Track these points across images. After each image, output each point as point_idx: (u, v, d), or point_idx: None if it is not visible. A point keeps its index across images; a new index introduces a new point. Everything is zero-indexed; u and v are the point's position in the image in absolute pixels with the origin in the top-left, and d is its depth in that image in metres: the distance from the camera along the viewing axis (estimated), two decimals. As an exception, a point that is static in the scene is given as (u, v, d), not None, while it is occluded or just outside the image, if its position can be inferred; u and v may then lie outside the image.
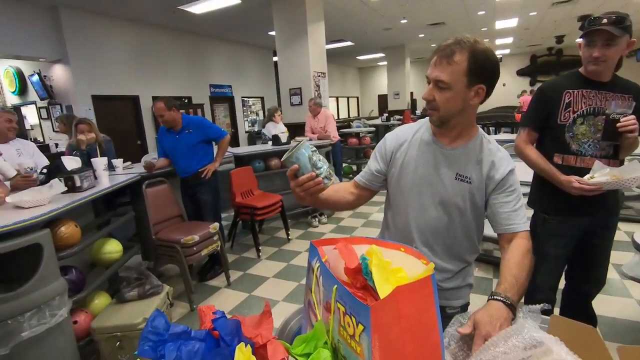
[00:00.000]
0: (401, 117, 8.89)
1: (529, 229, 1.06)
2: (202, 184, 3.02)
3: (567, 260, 1.68)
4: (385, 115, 8.41)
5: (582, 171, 1.49)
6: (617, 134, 1.40)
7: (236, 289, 2.90)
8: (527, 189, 1.77)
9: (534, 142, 1.65)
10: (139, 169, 3.14)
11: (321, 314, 0.78)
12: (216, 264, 3.09)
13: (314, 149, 0.93)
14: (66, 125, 3.51)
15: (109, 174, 2.59)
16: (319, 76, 6.27)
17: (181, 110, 2.98)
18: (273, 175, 4.33)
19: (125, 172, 2.95)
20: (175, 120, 2.90)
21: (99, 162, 2.44)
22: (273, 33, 8.24)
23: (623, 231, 3.48)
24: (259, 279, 3.04)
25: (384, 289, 0.77)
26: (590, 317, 1.78)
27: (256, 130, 10.45)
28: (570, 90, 1.53)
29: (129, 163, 3.25)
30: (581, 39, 1.48)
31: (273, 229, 4.32)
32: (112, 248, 2.41)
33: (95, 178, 2.41)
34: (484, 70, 0.99)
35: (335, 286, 0.70)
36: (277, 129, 4.71)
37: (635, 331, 2.09)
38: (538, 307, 0.79)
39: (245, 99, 10.13)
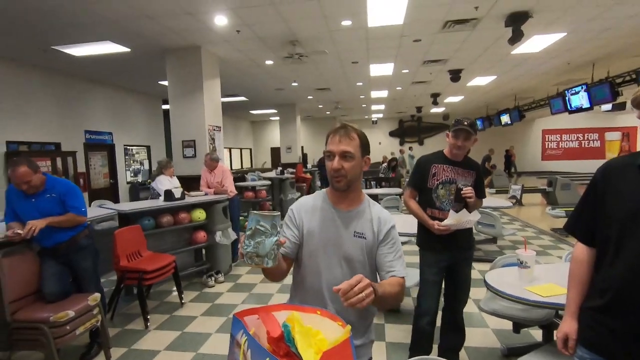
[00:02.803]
0: (294, 170, 9.35)
1: (404, 275, 1.31)
2: (80, 249, 2.59)
3: (441, 285, 2.26)
4: (280, 168, 8.73)
5: (443, 220, 2.11)
6: (462, 198, 2.07)
7: (119, 370, 2.51)
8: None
9: (415, 197, 2.28)
10: (-11, 232, 2.58)
11: (252, 389, 0.80)
12: (95, 342, 2.63)
13: (265, 229, 1.01)
14: None
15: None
16: (214, 130, 6.27)
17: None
18: (164, 234, 4.02)
19: (-30, 238, 2.39)
20: (41, 181, 2.45)
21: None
22: (163, 82, 8.04)
23: (477, 270, 4.24)
24: (147, 354, 2.68)
25: (307, 354, 0.85)
26: (460, 328, 2.34)
27: (140, 180, 9.59)
28: (436, 165, 2.18)
29: (-25, 226, 2.64)
30: (449, 132, 2.14)
31: (161, 293, 3.91)
32: (-56, 339, 1.88)
33: None
34: (367, 145, 1.33)
35: (267, 359, 0.75)
36: (172, 183, 4.46)
37: (494, 355, 2.54)
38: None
39: (128, 147, 9.31)
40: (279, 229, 1.05)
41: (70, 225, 2.53)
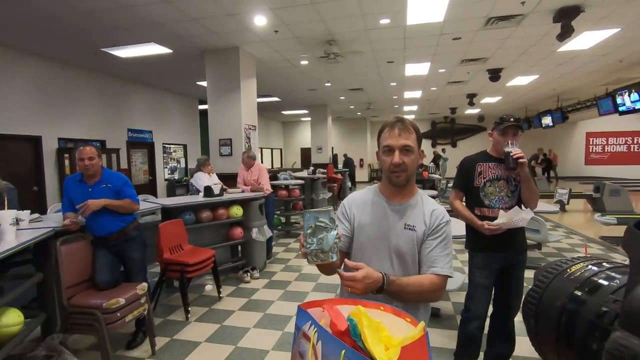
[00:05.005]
0: (325, 170, 9.35)
1: (447, 275, 1.22)
2: (130, 240, 2.70)
3: (491, 290, 2.14)
4: (312, 168, 8.76)
5: (494, 219, 1.98)
6: (513, 161, 1.94)
7: (163, 359, 2.58)
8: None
9: (461, 199, 2.20)
10: (48, 222, 2.74)
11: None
12: (140, 331, 2.73)
13: (325, 225, 1.02)
14: None
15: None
16: (250, 129, 6.38)
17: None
18: (203, 229, 4.12)
19: (31, 226, 2.55)
20: (99, 171, 2.62)
21: (5, 216, 2.09)
22: (201, 83, 8.29)
23: (520, 277, 4.04)
24: (189, 345, 2.75)
25: (377, 350, 0.82)
26: (510, 336, 2.19)
27: (177, 178, 9.93)
28: (481, 163, 2.11)
29: (37, 215, 2.81)
30: (494, 132, 2.08)
31: (199, 287, 4.01)
32: (10, 320, 1.99)
33: (-2, 234, 2.04)
34: (422, 138, 1.30)
35: (344, 351, 0.73)
36: (211, 180, 4.57)
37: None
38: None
39: (167, 145, 9.67)
40: (336, 222, 1.06)
41: (125, 212, 2.64)
